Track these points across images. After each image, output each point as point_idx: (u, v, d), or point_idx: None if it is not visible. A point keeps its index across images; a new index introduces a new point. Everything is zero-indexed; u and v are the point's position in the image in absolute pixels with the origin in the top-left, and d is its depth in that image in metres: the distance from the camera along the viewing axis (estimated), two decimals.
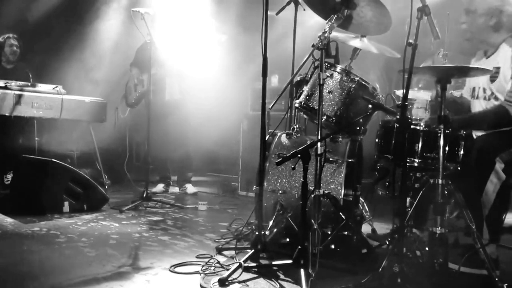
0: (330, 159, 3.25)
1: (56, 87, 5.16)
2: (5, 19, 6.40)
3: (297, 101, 3.37)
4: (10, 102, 4.74)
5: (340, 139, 3.42)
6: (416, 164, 2.84)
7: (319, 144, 2.73)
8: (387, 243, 2.97)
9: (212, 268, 2.78)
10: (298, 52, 3.93)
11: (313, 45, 2.91)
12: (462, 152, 2.81)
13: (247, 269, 2.72)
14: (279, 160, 2.67)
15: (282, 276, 2.71)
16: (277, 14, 3.88)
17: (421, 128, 2.83)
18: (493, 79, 3.09)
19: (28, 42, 6.03)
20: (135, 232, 3.64)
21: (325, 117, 3.19)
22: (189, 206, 4.84)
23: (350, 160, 3.27)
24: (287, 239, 3.17)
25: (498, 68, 3.06)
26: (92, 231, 3.63)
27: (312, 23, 5.45)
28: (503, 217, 2.90)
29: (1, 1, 6.46)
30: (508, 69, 2.99)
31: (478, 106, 3.22)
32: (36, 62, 6.00)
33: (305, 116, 3.69)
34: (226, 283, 2.55)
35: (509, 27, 3.11)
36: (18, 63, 5.73)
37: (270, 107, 3.43)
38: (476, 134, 3.19)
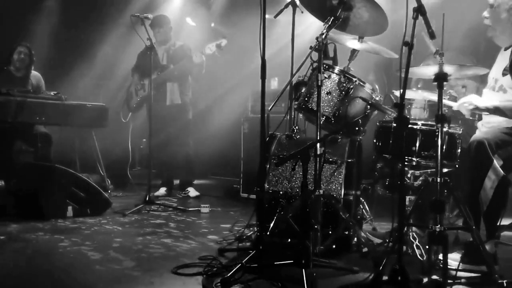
0: (330, 159, 3.27)
1: (58, 93, 5.19)
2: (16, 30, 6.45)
3: (296, 102, 3.40)
4: (12, 109, 4.78)
5: (340, 139, 3.45)
6: (414, 163, 2.86)
7: (318, 144, 2.76)
8: (388, 241, 2.99)
9: (215, 269, 2.79)
10: (297, 54, 3.96)
11: (311, 47, 2.94)
12: (459, 150, 2.83)
13: (249, 270, 2.73)
14: (278, 160, 2.69)
15: (283, 276, 2.73)
16: (275, 17, 3.91)
17: (419, 127, 2.85)
18: (505, 73, 3.10)
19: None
20: (138, 235, 3.67)
21: (324, 118, 3.22)
22: (192, 209, 4.86)
23: (349, 160, 3.30)
24: (288, 240, 3.20)
25: None
26: (96, 235, 3.66)
27: (310, 25, 5.49)
28: (501, 213, 2.92)
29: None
30: None
31: (485, 95, 3.24)
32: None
33: (304, 117, 3.72)
34: (228, 283, 2.57)
35: None
36: (28, 71, 5.57)
37: (269, 109, 3.46)
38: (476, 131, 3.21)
